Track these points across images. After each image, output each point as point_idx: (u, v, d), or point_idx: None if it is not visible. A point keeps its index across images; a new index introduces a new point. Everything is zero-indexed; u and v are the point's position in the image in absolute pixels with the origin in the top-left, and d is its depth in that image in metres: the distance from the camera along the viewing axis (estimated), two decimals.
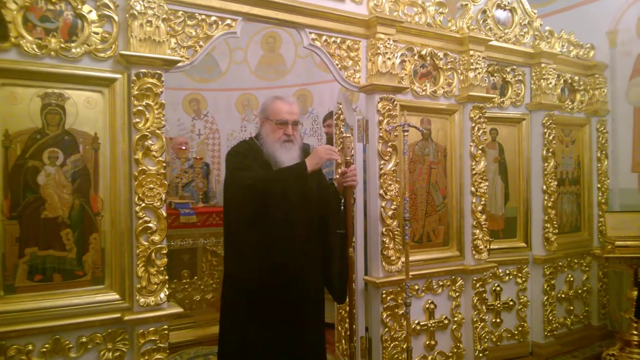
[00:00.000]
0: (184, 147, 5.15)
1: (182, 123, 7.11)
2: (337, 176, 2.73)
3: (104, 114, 2.32)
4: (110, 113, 2.32)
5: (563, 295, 4.32)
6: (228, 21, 2.68)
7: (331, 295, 2.74)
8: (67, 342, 2.22)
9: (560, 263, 4.28)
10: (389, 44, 3.11)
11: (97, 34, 2.29)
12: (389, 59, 3.10)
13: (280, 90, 7.32)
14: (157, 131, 2.38)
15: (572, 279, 4.40)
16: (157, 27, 2.38)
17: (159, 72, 2.39)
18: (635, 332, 3.85)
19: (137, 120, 2.32)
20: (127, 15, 2.32)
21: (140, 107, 2.32)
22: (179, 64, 2.50)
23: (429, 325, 3.42)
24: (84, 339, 2.25)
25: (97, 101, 2.31)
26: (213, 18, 2.63)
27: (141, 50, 2.32)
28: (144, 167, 2.33)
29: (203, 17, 2.60)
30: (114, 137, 2.32)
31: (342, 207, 2.66)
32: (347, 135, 2.81)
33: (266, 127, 2.53)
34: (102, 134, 2.32)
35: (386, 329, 3.13)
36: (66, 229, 2.23)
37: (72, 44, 2.24)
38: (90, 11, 2.28)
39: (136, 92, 2.32)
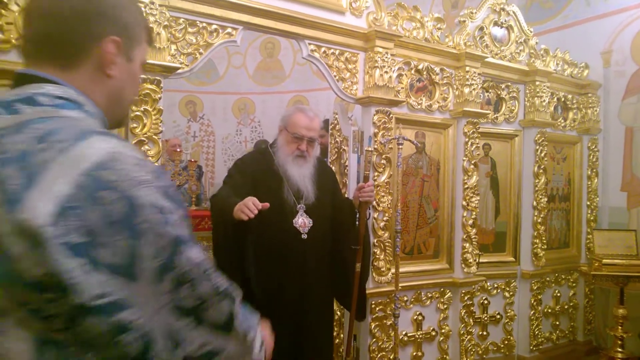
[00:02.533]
0: (178, 149, 5.17)
1: (178, 124, 7.14)
2: (355, 191, 2.73)
3: None
4: None
5: (549, 310, 4.37)
6: (229, 30, 2.71)
7: (348, 310, 2.79)
8: None
9: (547, 278, 4.33)
10: (386, 57, 3.15)
11: None
12: (386, 72, 3.15)
13: (277, 96, 7.36)
14: (154, 137, 2.40)
15: (559, 295, 4.44)
16: (158, 34, 2.40)
17: (158, 78, 2.41)
18: (619, 350, 3.91)
19: (135, 125, 2.35)
20: None
21: (138, 113, 2.35)
22: (179, 71, 2.52)
23: (417, 336, 3.45)
24: None
25: None
26: (214, 26, 2.66)
27: None
28: None
29: (204, 24, 2.63)
30: None
31: (357, 222, 2.66)
32: (369, 148, 2.87)
33: (282, 137, 2.52)
34: None
35: (374, 339, 3.16)
36: None
37: None
38: None
39: (135, 98, 2.34)
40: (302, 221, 2.45)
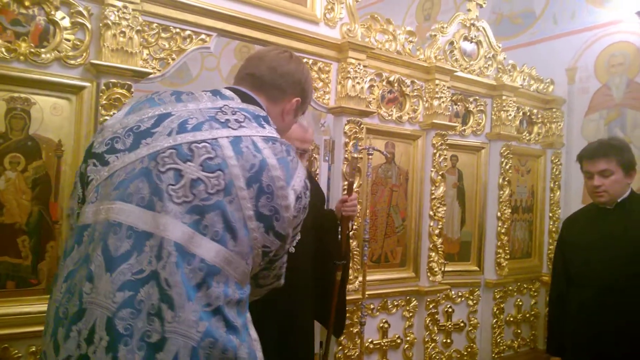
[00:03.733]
0: None
1: None
2: (338, 203, 2.67)
3: (70, 121, 2.30)
4: (76, 121, 2.31)
5: (511, 319, 4.48)
6: (202, 36, 2.71)
7: (325, 326, 2.70)
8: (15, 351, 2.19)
9: (510, 287, 4.44)
10: (359, 68, 3.20)
11: (68, 41, 2.28)
12: (358, 83, 3.19)
13: None
14: None
15: (520, 303, 4.57)
16: (131, 38, 2.38)
17: (129, 83, 2.39)
18: None
19: None
20: (100, 25, 2.32)
21: (107, 117, 2.32)
22: (150, 76, 2.51)
23: (382, 344, 3.50)
24: (33, 349, 2.22)
25: (64, 108, 2.29)
26: (187, 32, 2.65)
27: (113, 60, 2.32)
28: None
29: (177, 30, 2.62)
30: (78, 145, 2.30)
31: (339, 237, 2.58)
32: (356, 155, 2.77)
33: None
34: (67, 141, 2.30)
35: (340, 347, 3.19)
36: (23, 236, 2.20)
37: (42, 50, 2.22)
38: (64, 18, 2.27)
39: (104, 102, 2.32)
40: None
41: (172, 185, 1.12)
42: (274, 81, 1.44)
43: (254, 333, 1.19)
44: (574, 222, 2.64)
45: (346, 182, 2.66)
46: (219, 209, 1.13)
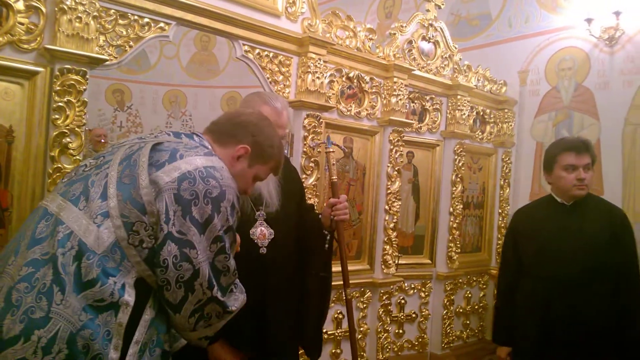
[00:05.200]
0: (102, 140, 5.00)
1: (104, 113, 6.87)
2: (326, 208, 2.26)
3: (22, 107, 2.24)
4: (28, 107, 2.24)
5: (461, 310, 4.65)
6: (161, 24, 2.68)
7: (302, 348, 2.32)
8: None
9: (460, 280, 4.60)
10: (319, 63, 3.24)
11: (22, 24, 2.20)
12: (318, 78, 3.23)
13: (210, 90, 7.25)
14: (76, 129, 2.33)
15: (470, 295, 4.74)
16: (87, 24, 2.34)
17: (84, 69, 2.34)
18: None
19: (57, 116, 2.27)
20: (56, 9, 2.26)
21: (61, 104, 2.27)
22: (106, 63, 2.47)
23: (337, 334, 3.57)
24: None
25: (16, 93, 2.22)
26: (146, 20, 2.62)
27: (68, 46, 2.27)
28: (59, 165, 2.28)
29: (136, 17, 2.58)
30: (30, 132, 2.25)
31: (326, 245, 2.23)
32: (330, 150, 2.38)
33: None
34: (18, 127, 2.23)
35: None
36: None
37: None
38: (17, 0, 2.20)
39: (58, 88, 2.26)
40: (262, 232, 2.03)
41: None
42: (224, 127, 1.60)
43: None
44: (528, 215, 2.67)
45: (330, 183, 2.35)
46: (85, 179, 1.34)
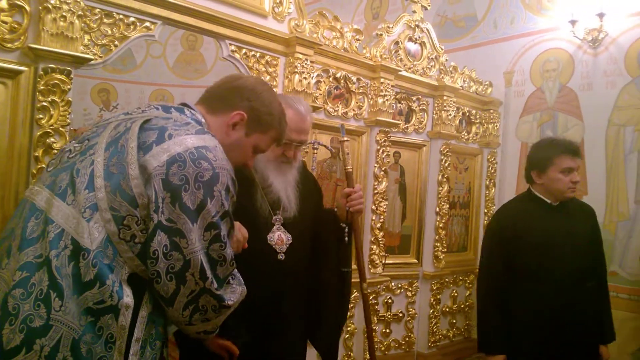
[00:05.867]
0: None
1: (89, 113, 6.79)
2: (341, 198, 2.18)
3: (5, 106, 2.20)
4: (12, 106, 2.21)
5: (447, 309, 4.69)
6: (147, 24, 2.66)
7: (315, 348, 2.18)
8: None
9: (446, 279, 4.64)
10: (306, 64, 3.24)
11: (5, 23, 2.17)
12: (305, 78, 3.24)
13: (197, 90, 7.20)
14: (60, 129, 2.31)
15: (456, 295, 4.78)
16: (72, 23, 2.31)
17: (68, 68, 2.32)
18: None
19: (41, 116, 2.25)
20: (40, 8, 2.24)
21: (45, 103, 2.25)
22: (91, 62, 2.45)
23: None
24: None
25: None
26: (131, 19, 2.60)
27: (52, 45, 2.25)
28: (43, 165, 2.25)
29: (121, 16, 2.56)
30: (13, 132, 2.22)
31: (346, 238, 2.13)
32: (345, 139, 2.27)
33: None
34: (1, 127, 2.19)
35: None
36: None
37: None
38: None
39: (42, 87, 2.24)
40: (279, 237, 1.95)
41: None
42: (217, 92, 1.48)
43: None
44: (514, 214, 2.57)
45: (348, 168, 2.24)
46: (70, 168, 1.24)
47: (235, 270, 1.37)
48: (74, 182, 1.20)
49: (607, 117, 4.38)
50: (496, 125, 5.05)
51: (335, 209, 2.19)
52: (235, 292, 1.35)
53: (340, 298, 2.18)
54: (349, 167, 2.24)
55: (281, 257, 1.94)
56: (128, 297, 1.16)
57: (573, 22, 4.44)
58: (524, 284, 2.46)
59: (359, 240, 2.25)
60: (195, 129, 1.29)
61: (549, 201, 2.49)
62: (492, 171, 5.07)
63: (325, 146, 3.24)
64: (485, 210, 5.04)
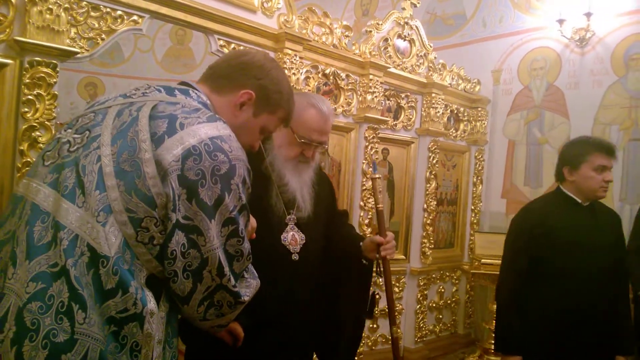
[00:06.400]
0: None
1: (76, 107, 6.72)
2: (369, 243, 2.01)
3: None
4: None
5: (434, 305, 4.72)
6: (134, 17, 2.64)
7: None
8: None
9: (433, 275, 4.67)
10: (295, 59, 3.24)
11: None
12: (294, 74, 3.23)
13: None
14: (46, 122, 2.29)
15: (443, 290, 4.82)
16: (58, 16, 2.29)
17: (54, 62, 2.30)
18: (493, 342, 4.30)
19: (26, 109, 2.22)
20: (26, 0, 2.21)
21: (30, 97, 2.22)
22: (78, 55, 2.43)
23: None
24: None
25: None
26: (119, 12, 2.58)
27: (38, 38, 2.22)
28: (28, 159, 2.23)
29: (108, 10, 2.54)
30: None
31: (379, 277, 2.06)
32: (377, 176, 2.13)
33: (283, 136, 1.88)
34: None
35: None
36: None
37: None
38: None
39: (27, 81, 2.21)
40: (293, 237, 1.91)
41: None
42: (223, 70, 1.37)
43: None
44: (545, 213, 2.45)
45: (376, 210, 2.08)
46: (74, 164, 1.13)
47: (250, 264, 1.31)
48: (82, 181, 1.10)
49: (593, 116, 4.44)
50: (484, 123, 5.09)
51: (361, 244, 2.03)
52: (250, 287, 1.29)
53: (357, 332, 2.17)
54: (380, 205, 2.07)
55: (295, 257, 1.89)
56: (151, 303, 1.09)
57: (561, 22, 4.48)
58: (545, 283, 2.37)
59: (389, 287, 2.11)
60: (206, 115, 1.19)
61: (579, 200, 2.41)
62: (480, 168, 5.11)
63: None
64: (472, 207, 5.08)
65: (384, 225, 2.05)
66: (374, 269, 2.07)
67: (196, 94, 1.29)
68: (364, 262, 2.03)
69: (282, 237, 1.88)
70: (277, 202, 1.89)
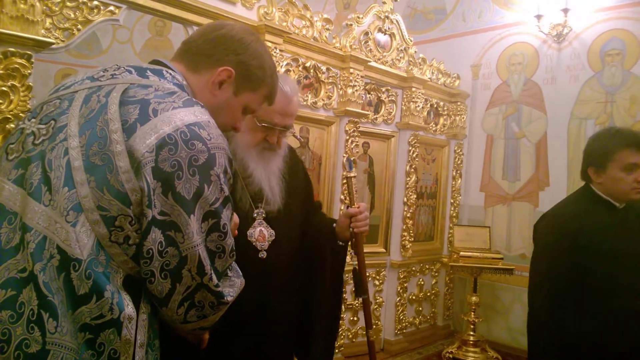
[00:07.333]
0: None
1: None
2: (342, 217, 1.94)
3: None
4: None
5: (414, 297, 4.77)
6: (111, 7, 2.60)
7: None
8: None
9: (413, 268, 4.72)
10: (275, 52, 3.22)
11: None
12: None
13: None
14: (21, 114, 2.24)
15: (422, 283, 4.87)
16: (32, 6, 2.24)
17: (29, 52, 2.25)
18: (471, 333, 4.38)
19: (0, 101, 2.18)
20: None
21: (4, 88, 2.18)
22: (53, 46, 2.38)
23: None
24: None
25: None
26: (95, 2, 2.53)
27: (12, 28, 2.17)
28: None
29: (84, 0, 2.50)
30: None
31: (354, 265, 1.98)
32: (353, 174, 2.07)
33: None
34: None
35: None
36: None
37: None
38: None
39: (1, 72, 2.17)
40: (261, 232, 1.77)
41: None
42: (198, 46, 1.26)
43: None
44: (581, 220, 2.08)
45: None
46: (40, 158, 1.03)
47: (234, 261, 1.23)
48: (48, 177, 1.01)
49: (569, 111, 4.51)
50: (463, 117, 5.14)
51: (334, 225, 1.96)
52: (234, 286, 1.20)
53: (332, 320, 2.06)
54: (355, 206, 1.94)
55: (262, 255, 1.76)
56: (129, 307, 1.01)
57: (539, 17, 4.53)
58: (586, 298, 2.04)
59: (361, 262, 2.01)
60: (182, 99, 1.09)
61: (616, 204, 2.09)
62: (459, 162, 5.16)
63: (293, 135, 3.25)
64: (452, 201, 5.14)
65: (354, 199, 1.99)
66: (349, 251, 2.00)
67: (170, 74, 1.18)
68: (340, 243, 1.94)
69: (248, 234, 1.74)
70: (242, 195, 1.76)
